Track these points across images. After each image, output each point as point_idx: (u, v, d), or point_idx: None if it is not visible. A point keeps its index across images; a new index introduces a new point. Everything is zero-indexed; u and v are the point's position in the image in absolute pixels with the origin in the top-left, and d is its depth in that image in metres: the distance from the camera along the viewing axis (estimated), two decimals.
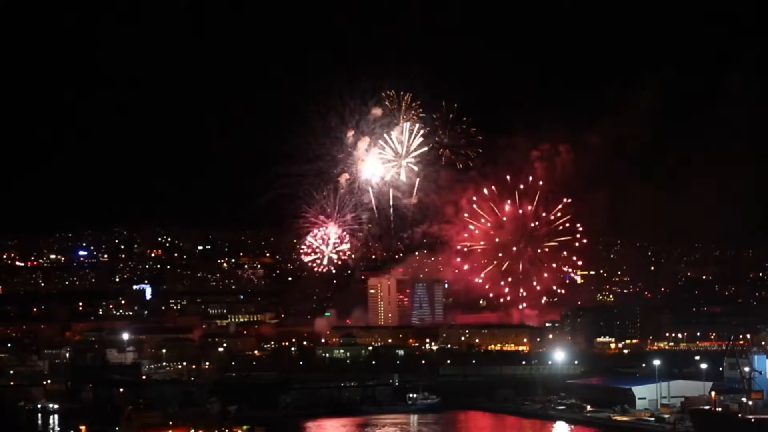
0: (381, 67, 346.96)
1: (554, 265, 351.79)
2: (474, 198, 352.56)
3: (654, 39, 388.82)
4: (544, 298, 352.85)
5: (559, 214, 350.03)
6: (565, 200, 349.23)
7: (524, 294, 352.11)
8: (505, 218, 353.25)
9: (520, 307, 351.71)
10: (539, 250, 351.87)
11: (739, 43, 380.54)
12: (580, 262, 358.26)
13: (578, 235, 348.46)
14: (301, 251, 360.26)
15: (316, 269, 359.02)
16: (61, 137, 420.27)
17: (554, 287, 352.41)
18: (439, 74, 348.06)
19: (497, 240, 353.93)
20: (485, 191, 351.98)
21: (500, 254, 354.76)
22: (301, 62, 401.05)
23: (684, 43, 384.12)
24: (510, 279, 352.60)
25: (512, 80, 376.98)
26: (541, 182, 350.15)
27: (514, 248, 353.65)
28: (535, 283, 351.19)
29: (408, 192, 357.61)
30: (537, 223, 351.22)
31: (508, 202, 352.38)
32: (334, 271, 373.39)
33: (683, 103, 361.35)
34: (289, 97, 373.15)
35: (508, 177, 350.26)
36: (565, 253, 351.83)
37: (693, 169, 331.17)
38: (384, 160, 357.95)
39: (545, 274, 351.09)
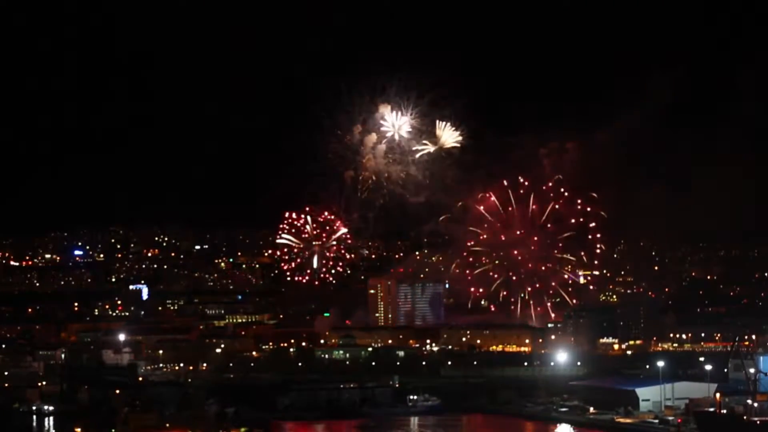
0: (388, 64, 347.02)
1: (559, 265, 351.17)
2: (481, 196, 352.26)
3: (663, 36, 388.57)
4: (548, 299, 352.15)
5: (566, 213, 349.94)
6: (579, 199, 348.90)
7: (527, 294, 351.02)
8: (510, 217, 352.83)
9: (524, 306, 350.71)
10: (544, 250, 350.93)
11: (749, 42, 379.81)
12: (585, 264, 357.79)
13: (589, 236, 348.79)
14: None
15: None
16: (56, 136, 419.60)
17: (558, 287, 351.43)
18: (445, 73, 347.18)
19: (504, 242, 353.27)
20: (490, 192, 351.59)
21: (503, 254, 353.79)
22: (306, 59, 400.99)
23: (693, 41, 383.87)
24: (514, 279, 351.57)
25: (518, 78, 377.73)
26: (548, 180, 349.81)
27: (517, 249, 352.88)
28: (538, 285, 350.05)
29: (415, 190, 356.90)
30: (543, 222, 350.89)
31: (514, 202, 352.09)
32: (333, 272, 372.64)
33: (689, 102, 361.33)
34: (291, 94, 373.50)
35: (517, 176, 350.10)
36: (568, 255, 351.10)
37: (698, 168, 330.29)
38: (391, 157, 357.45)
39: (550, 275, 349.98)
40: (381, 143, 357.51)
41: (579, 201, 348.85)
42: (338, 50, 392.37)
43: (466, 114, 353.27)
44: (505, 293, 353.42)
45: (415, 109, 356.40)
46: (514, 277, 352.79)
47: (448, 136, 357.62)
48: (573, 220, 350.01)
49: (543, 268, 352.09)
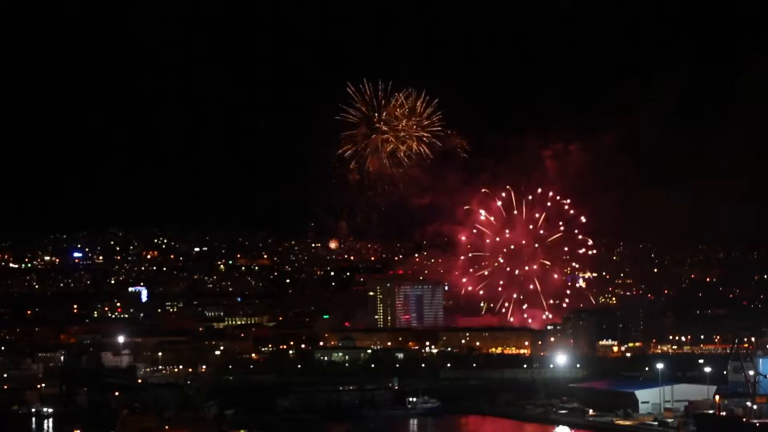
0: (390, 68, 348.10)
1: (559, 268, 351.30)
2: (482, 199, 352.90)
3: (667, 38, 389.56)
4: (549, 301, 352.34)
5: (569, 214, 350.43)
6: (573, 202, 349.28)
7: (527, 296, 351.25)
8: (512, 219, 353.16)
9: (524, 308, 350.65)
10: (545, 253, 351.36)
11: (753, 43, 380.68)
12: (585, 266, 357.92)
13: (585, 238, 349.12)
14: None
15: None
16: (54, 138, 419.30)
17: (558, 290, 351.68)
18: (449, 75, 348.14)
19: (505, 245, 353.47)
20: (492, 195, 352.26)
21: (503, 256, 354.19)
22: (308, 59, 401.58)
23: (697, 42, 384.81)
24: (514, 281, 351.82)
25: (522, 80, 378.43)
26: (550, 182, 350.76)
27: (518, 252, 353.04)
28: (538, 287, 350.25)
29: (418, 192, 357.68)
30: (544, 224, 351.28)
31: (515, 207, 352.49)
32: (333, 273, 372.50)
33: (690, 104, 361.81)
34: (293, 94, 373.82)
35: (519, 179, 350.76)
36: (568, 255, 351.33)
37: (698, 169, 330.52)
38: (395, 159, 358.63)
39: (550, 277, 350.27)
40: (385, 145, 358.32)
41: (580, 204, 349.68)
42: (341, 50, 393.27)
43: (469, 116, 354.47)
44: (504, 296, 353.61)
45: (419, 110, 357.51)
46: (514, 280, 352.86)
47: (452, 138, 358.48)
48: (574, 223, 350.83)
49: (543, 270, 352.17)
